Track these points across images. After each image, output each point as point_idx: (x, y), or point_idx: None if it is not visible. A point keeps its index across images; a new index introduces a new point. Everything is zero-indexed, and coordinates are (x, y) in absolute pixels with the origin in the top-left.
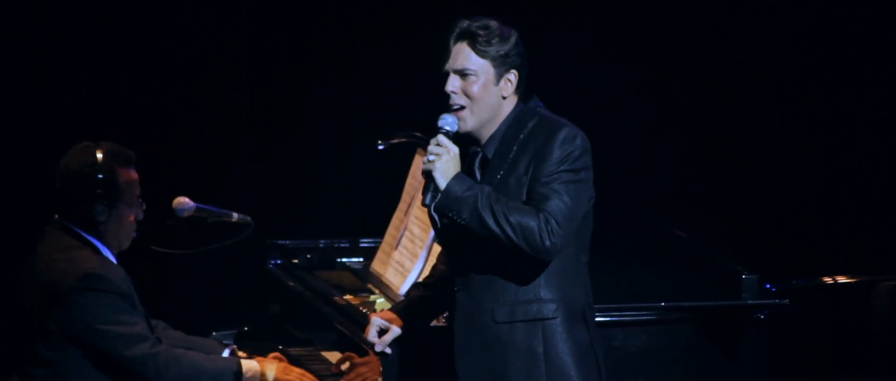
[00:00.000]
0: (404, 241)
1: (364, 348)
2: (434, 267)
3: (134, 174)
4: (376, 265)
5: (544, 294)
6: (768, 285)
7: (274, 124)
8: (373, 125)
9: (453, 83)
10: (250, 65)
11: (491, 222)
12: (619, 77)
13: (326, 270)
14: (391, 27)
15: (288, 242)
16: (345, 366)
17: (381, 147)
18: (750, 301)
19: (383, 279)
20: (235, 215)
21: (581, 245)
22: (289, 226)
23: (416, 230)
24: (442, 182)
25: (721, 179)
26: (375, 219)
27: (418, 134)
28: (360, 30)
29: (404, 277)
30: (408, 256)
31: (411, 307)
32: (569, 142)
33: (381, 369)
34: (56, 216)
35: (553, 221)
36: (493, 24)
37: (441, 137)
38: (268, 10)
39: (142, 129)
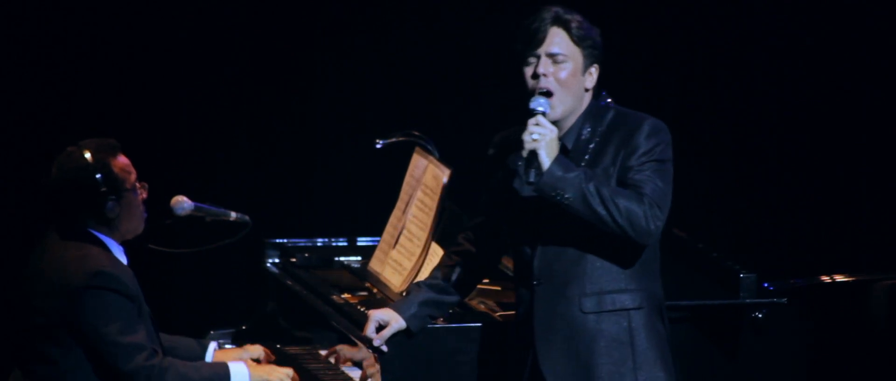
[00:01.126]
0: (402, 240)
1: (361, 346)
2: (441, 269)
3: (124, 159)
4: (374, 264)
5: (630, 285)
6: (766, 285)
7: (272, 123)
8: (371, 124)
9: (546, 66)
10: (248, 63)
11: (596, 204)
12: (616, 76)
13: (324, 269)
14: (389, 25)
15: (286, 241)
16: (333, 359)
17: (379, 146)
18: (748, 300)
19: (381, 278)
20: (233, 214)
21: (657, 240)
22: (287, 225)
23: (414, 229)
24: (546, 161)
25: (719, 178)
26: (373, 218)
27: (416, 133)
28: (359, 28)
29: (402, 275)
30: (406, 255)
31: (412, 305)
32: (655, 134)
33: (378, 366)
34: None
35: (655, 205)
36: (581, 16)
37: (540, 118)
38: (266, 9)
39: (140, 128)
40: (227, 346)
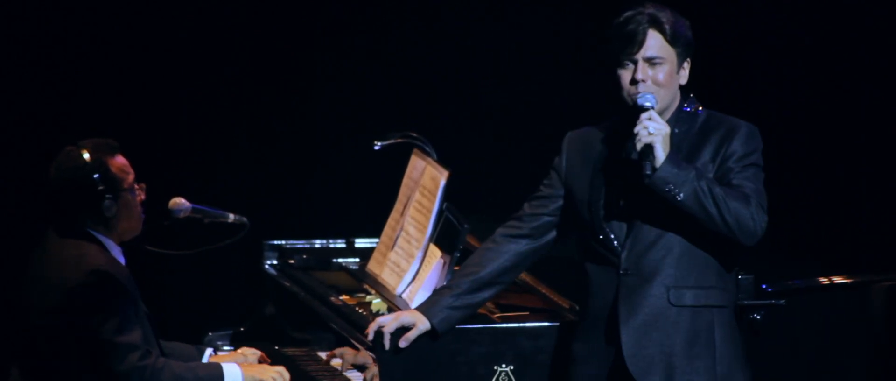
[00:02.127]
0: (400, 241)
1: (358, 347)
2: (473, 266)
3: (122, 159)
4: (372, 266)
5: (718, 283)
6: (764, 286)
7: (271, 123)
8: (370, 125)
9: (644, 72)
10: (248, 63)
11: (708, 202)
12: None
13: (322, 270)
14: (389, 25)
15: (284, 242)
16: (336, 363)
17: (377, 147)
18: (746, 302)
19: (379, 280)
20: (231, 216)
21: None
22: (285, 226)
23: (412, 231)
24: (661, 156)
25: None
26: (372, 219)
27: (414, 134)
28: (359, 28)
29: (400, 277)
30: (404, 256)
31: (441, 309)
32: (753, 138)
33: (377, 367)
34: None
35: (760, 208)
36: (671, 12)
37: (653, 113)
38: (266, 8)
39: (139, 128)
40: (224, 348)
